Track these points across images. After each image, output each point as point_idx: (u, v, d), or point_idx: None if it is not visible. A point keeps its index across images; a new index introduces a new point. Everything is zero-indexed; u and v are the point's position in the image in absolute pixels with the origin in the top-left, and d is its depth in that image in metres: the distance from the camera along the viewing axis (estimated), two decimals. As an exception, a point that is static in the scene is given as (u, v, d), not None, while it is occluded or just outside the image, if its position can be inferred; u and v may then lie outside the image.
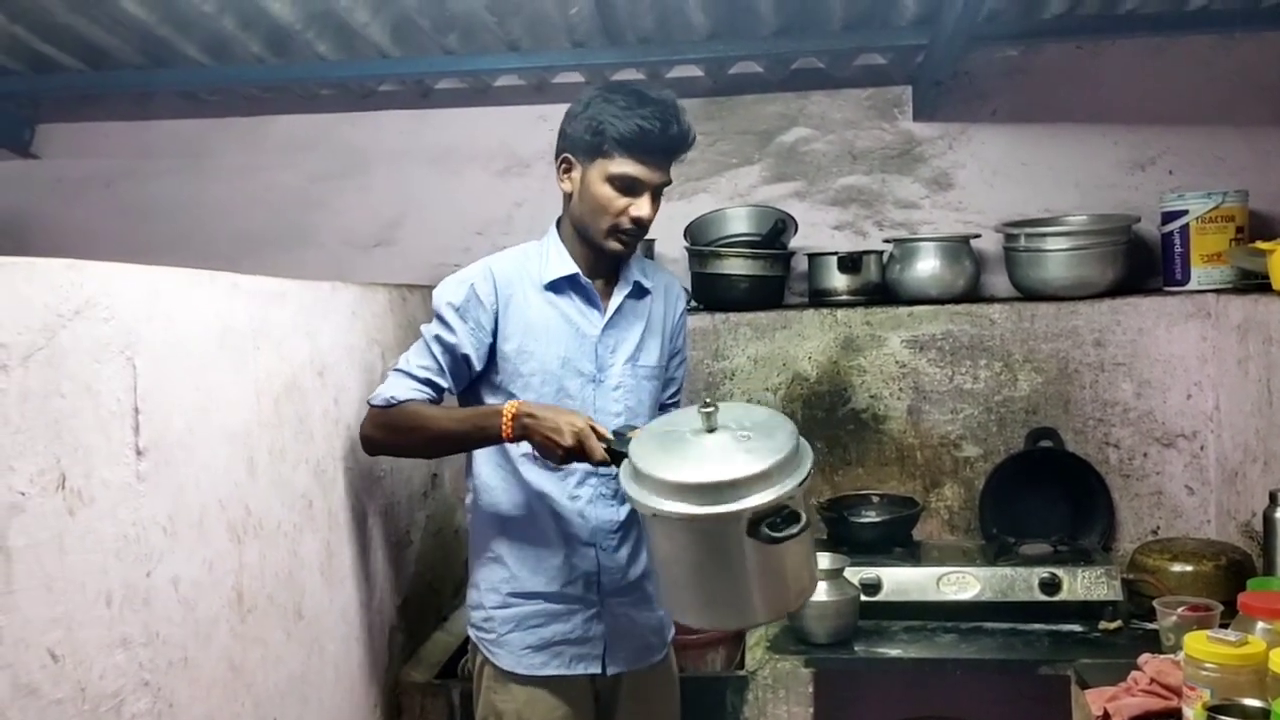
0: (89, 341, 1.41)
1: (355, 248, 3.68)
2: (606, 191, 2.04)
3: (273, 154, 3.70)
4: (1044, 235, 3.13)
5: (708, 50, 3.26)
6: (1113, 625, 2.56)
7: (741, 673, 2.52)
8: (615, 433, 1.95)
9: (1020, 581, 2.61)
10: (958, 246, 3.23)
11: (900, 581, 2.66)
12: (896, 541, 2.89)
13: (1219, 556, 2.64)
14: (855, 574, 2.60)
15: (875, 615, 2.61)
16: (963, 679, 2.41)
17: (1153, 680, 2.06)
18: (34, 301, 1.32)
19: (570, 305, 2.14)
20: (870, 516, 2.99)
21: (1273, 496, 2.48)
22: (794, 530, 1.69)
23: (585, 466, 2.08)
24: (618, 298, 2.17)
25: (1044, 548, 2.75)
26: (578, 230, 2.12)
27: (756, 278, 3.24)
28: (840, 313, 3.22)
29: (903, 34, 3.13)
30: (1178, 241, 3.12)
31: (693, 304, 3.34)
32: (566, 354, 2.11)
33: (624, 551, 2.18)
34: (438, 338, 2.09)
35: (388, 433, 2.10)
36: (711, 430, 1.81)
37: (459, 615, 2.98)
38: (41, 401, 1.31)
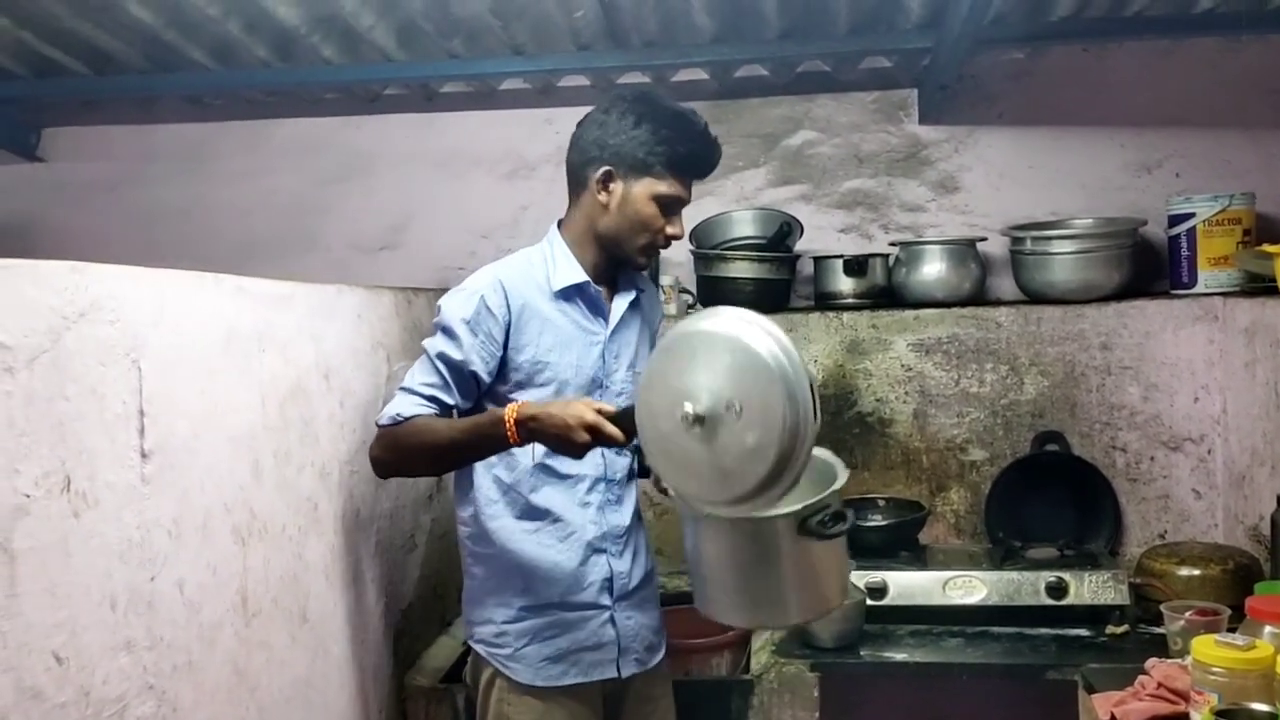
0: (94, 344, 1.41)
1: (360, 251, 3.68)
2: (651, 210, 2.06)
3: (277, 158, 3.70)
4: (1050, 238, 3.13)
5: (713, 53, 3.25)
6: (1120, 630, 2.55)
7: (747, 677, 2.51)
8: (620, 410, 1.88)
9: (1027, 586, 2.60)
10: (964, 250, 3.22)
11: (906, 586, 2.65)
12: (902, 545, 2.89)
13: (1226, 560, 2.63)
14: (861, 578, 2.59)
15: (881, 619, 2.60)
16: (969, 684, 2.39)
17: (1160, 685, 2.05)
18: (39, 304, 1.32)
19: (577, 312, 2.13)
20: (876, 520, 2.98)
21: (1281, 500, 2.47)
22: (843, 527, 1.75)
23: (595, 472, 2.10)
24: (621, 305, 2.17)
25: (1050, 552, 2.74)
26: (604, 241, 2.11)
27: (762, 281, 3.23)
28: (846, 316, 3.22)
29: (908, 37, 3.12)
30: (1184, 244, 3.12)
31: (698, 307, 3.34)
32: (579, 362, 2.11)
33: (629, 554, 2.20)
34: (441, 354, 2.04)
35: (395, 452, 2.04)
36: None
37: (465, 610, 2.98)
38: (46, 404, 1.31)
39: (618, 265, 2.15)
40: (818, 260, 3.32)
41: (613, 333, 2.16)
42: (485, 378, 2.06)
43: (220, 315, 1.78)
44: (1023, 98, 3.40)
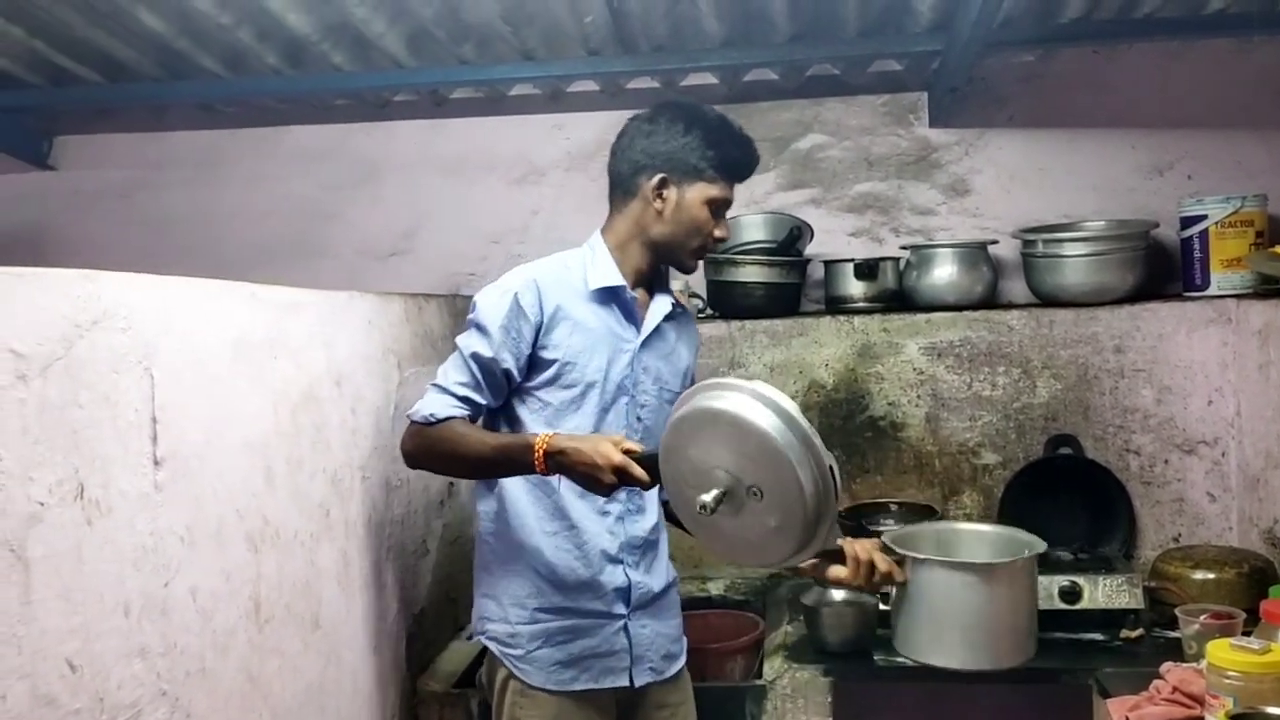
0: (106, 352, 1.41)
1: (371, 257, 3.68)
2: (705, 214, 2.10)
3: (288, 164, 3.72)
4: (1062, 241, 3.12)
5: (722, 58, 3.25)
6: (1134, 633, 2.54)
7: (760, 682, 2.51)
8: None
9: (1041, 590, 2.57)
10: (975, 253, 3.21)
11: (919, 590, 2.64)
12: (915, 550, 2.87)
13: (1241, 564, 2.62)
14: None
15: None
16: (982, 688, 2.38)
17: (1175, 689, 2.04)
18: (51, 312, 1.32)
19: (612, 318, 2.14)
20: (888, 525, 2.96)
21: (1296, 503, 2.46)
22: None
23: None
24: (656, 317, 2.18)
25: (1064, 556, 2.73)
26: (656, 246, 2.14)
27: (772, 285, 3.23)
28: (857, 320, 3.21)
29: (918, 40, 3.12)
30: (1197, 246, 3.11)
31: (708, 312, 3.34)
32: (608, 367, 2.11)
33: (648, 564, 2.19)
34: (474, 353, 2.05)
35: (426, 452, 2.07)
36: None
37: (479, 605, 2.98)
38: (59, 412, 1.31)
39: (657, 268, 2.19)
40: (828, 264, 3.32)
41: (644, 343, 2.16)
42: (516, 376, 2.08)
43: (232, 322, 1.79)
44: (1033, 100, 3.39)
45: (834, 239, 3.46)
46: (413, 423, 2.08)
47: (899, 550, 2.33)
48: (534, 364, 2.09)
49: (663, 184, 2.10)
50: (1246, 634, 1.99)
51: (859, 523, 2.94)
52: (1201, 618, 2.26)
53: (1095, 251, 3.08)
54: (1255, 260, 2.98)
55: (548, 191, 3.57)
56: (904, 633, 2.34)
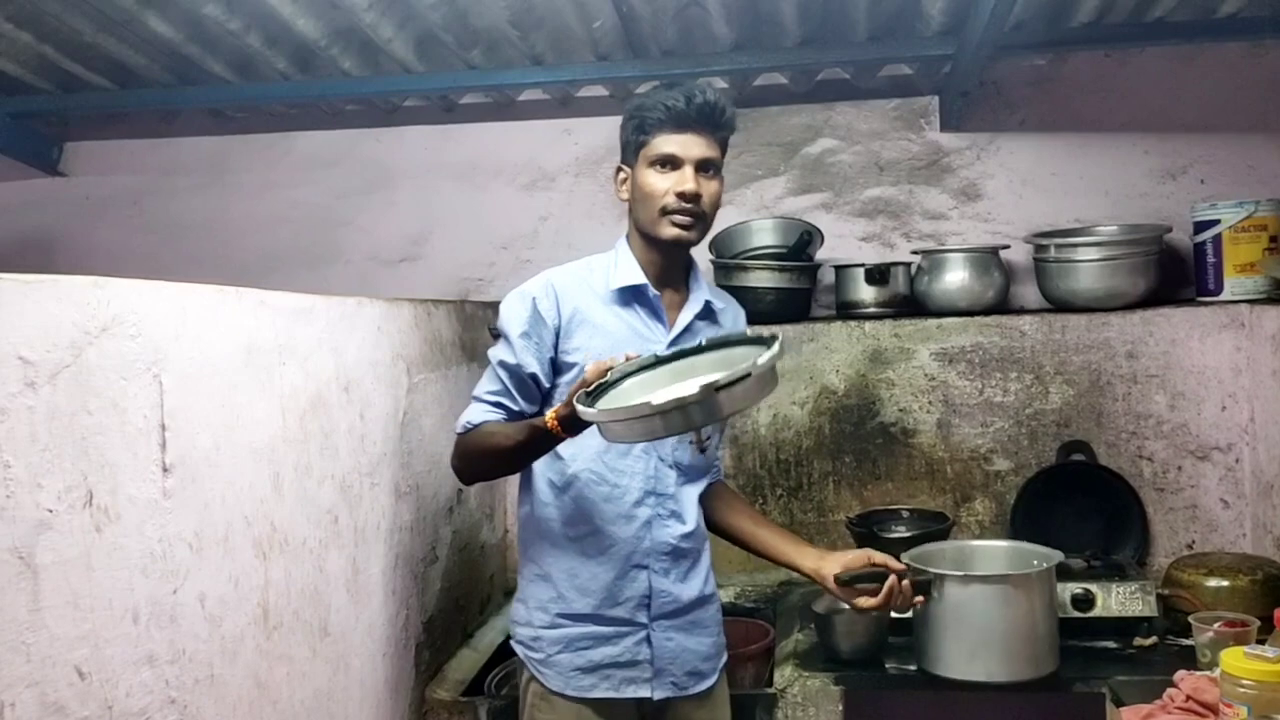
0: (116, 359, 1.41)
1: (381, 263, 3.68)
2: (650, 176, 2.06)
3: (298, 170, 3.72)
4: (1074, 246, 3.10)
5: (732, 62, 3.25)
6: (1148, 641, 2.52)
7: (771, 690, 2.49)
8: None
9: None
10: (987, 258, 3.20)
11: (931, 597, 2.63)
12: (926, 557, 2.86)
13: (1255, 571, 2.60)
14: (885, 590, 2.57)
15: (905, 632, 2.57)
16: (994, 696, 2.37)
17: (1189, 697, 2.03)
18: (61, 319, 1.32)
19: (636, 318, 2.12)
20: (900, 531, 2.95)
21: (1311, 510, 2.44)
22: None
23: (643, 484, 2.10)
24: (687, 315, 2.15)
25: (1077, 563, 2.70)
26: (641, 235, 2.12)
27: (783, 290, 3.22)
28: (868, 325, 3.20)
29: (929, 44, 3.11)
30: (1210, 251, 3.09)
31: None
32: None
33: (675, 574, 2.15)
34: (501, 362, 2.09)
35: (469, 458, 2.12)
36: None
37: (485, 632, 2.98)
38: (69, 419, 1.31)
39: (665, 251, 2.12)
40: (839, 269, 3.31)
41: (674, 341, 2.11)
42: (544, 380, 2.09)
43: (241, 329, 1.78)
44: (1045, 104, 3.38)
45: (845, 244, 3.45)
46: (457, 436, 2.13)
47: (919, 567, 2.36)
48: (558, 368, 2.10)
49: (622, 175, 2.13)
50: (1261, 642, 1.98)
51: (870, 529, 2.92)
52: (1215, 625, 2.25)
53: (1108, 256, 3.06)
54: (1269, 265, 2.97)
55: (557, 197, 3.57)
56: (927, 648, 2.38)
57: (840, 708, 2.44)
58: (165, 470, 1.51)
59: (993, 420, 3.15)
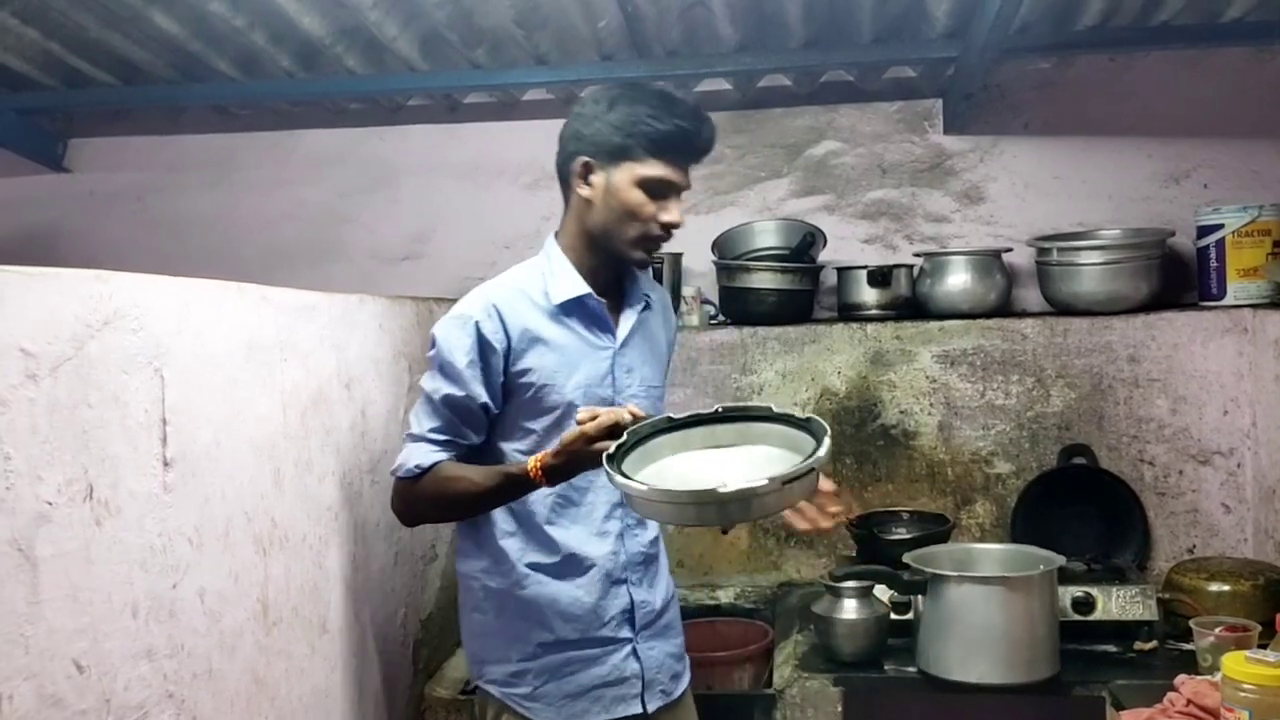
0: (117, 352, 1.41)
1: (383, 261, 3.69)
2: (638, 196, 1.92)
3: (302, 168, 3.72)
4: (1077, 249, 3.10)
5: (736, 63, 3.24)
6: (1148, 645, 2.51)
7: (769, 691, 2.49)
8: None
9: (1053, 600, 2.57)
10: (989, 260, 3.20)
11: (930, 599, 2.63)
12: (927, 559, 2.86)
13: (1257, 576, 2.59)
14: (885, 592, 2.57)
15: (905, 634, 2.57)
16: (994, 699, 2.37)
17: (1190, 701, 2.03)
18: (63, 312, 1.32)
19: (582, 328, 2.02)
20: (900, 533, 2.95)
21: (1313, 515, 2.43)
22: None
23: (611, 497, 2.01)
24: (631, 316, 2.07)
25: (1078, 566, 2.70)
26: (595, 240, 1.99)
27: (785, 292, 3.22)
28: (870, 327, 3.20)
29: (933, 46, 3.10)
30: (1213, 255, 3.09)
31: (720, 318, 3.33)
32: (587, 381, 1.99)
33: (650, 580, 2.11)
34: (445, 397, 1.94)
35: (419, 504, 1.97)
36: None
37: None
38: (69, 412, 1.31)
39: (618, 267, 2.03)
40: (841, 271, 3.30)
41: (622, 345, 2.05)
42: (494, 407, 1.97)
43: (243, 324, 1.79)
44: (1048, 108, 3.38)
45: (847, 246, 3.45)
46: (398, 480, 1.97)
47: (918, 567, 2.37)
48: (509, 391, 1.97)
49: (587, 168, 1.95)
50: (1262, 647, 1.97)
51: (871, 530, 2.92)
52: (1216, 630, 2.25)
53: (1110, 260, 3.06)
54: (1272, 270, 2.96)
55: (560, 197, 3.55)
56: (927, 650, 2.38)
57: (839, 709, 2.44)
58: (166, 464, 1.51)
59: (994, 423, 3.14)
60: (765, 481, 1.55)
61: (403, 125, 3.69)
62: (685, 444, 1.79)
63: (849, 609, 2.51)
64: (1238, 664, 1.82)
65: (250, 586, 1.75)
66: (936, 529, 2.91)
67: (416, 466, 1.93)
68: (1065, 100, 3.37)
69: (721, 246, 3.33)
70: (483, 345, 1.93)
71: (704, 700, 2.31)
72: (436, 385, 1.95)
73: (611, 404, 1.98)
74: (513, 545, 2.02)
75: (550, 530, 2.01)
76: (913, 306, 3.25)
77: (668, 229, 1.96)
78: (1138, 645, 2.52)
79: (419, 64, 3.25)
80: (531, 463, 1.85)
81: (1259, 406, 2.94)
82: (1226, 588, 2.57)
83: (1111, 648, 2.53)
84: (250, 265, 3.52)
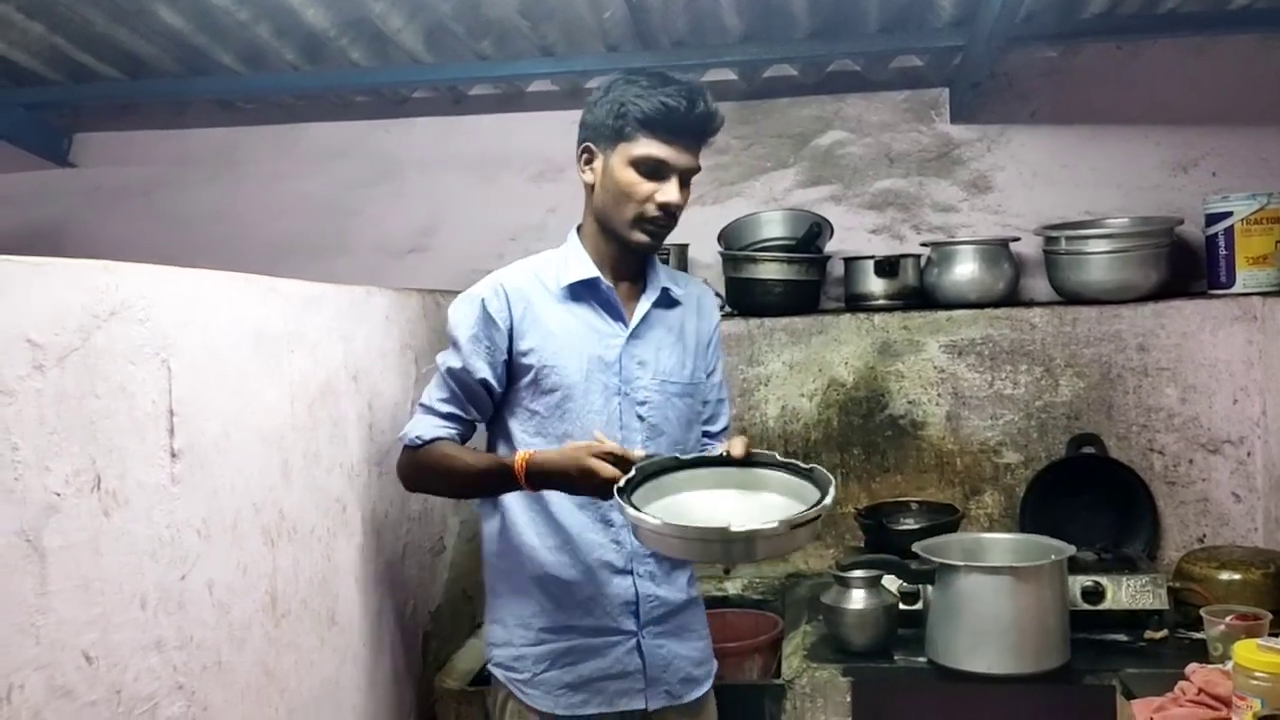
0: (124, 343, 1.41)
1: (389, 254, 3.68)
2: (630, 176, 1.92)
3: (307, 161, 3.72)
4: (1085, 238, 3.09)
5: (741, 53, 3.24)
6: (1159, 634, 2.51)
7: (778, 681, 2.49)
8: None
9: (1063, 590, 2.57)
10: (997, 250, 3.19)
11: (940, 589, 2.62)
12: (935, 549, 2.85)
13: (1267, 564, 2.59)
14: (893, 582, 2.56)
15: (914, 624, 2.57)
16: (1004, 688, 2.36)
17: (1201, 690, 2.02)
18: (70, 303, 1.31)
19: (591, 314, 2.01)
20: (909, 524, 2.95)
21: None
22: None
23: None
24: (644, 305, 2.04)
25: (1087, 556, 2.70)
26: (601, 225, 2.00)
27: (792, 282, 3.21)
28: (877, 317, 3.19)
29: (939, 35, 3.10)
30: (1222, 244, 3.07)
31: (727, 309, 3.32)
32: (590, 366, 1.98)
33: (660, 576, 2.06)
34: (449, 369, 1.98)
35: (420, 473, 2.03)
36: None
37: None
38: (77, 402, 1.31)
39: (634, 255, 2.02)
40: (848, 261, 3.30)
41: (632, 335, 2.02)
42: (497, 386, 1.99)
43: (250, 316, 1.78)
44: (1056, 96, 3.36)
45: (854, 236, 3.44)
46: (404, 447, 2.02)
47: (927, 557, 2.37)
48: (513, 372, 1.99)
49: (588, 154, 1.98)
50: (1274, 635, 1.97)
51: (879, 521, 2.92)
52: (1227, 619, 2.24)
53: (1119, 249, 3.05)
54: (1282, 257, 2.95)
55: (566, 189, 3.54)
56: (936, 640, 2.38)
57: (848, 699, 2.44)
58: (173, 456, 1.51)
59: (1002, 413, 3.13)
60: (775, 524, 1.63)
61: (408, 118, 3.69)
62: (692, 483, 1.85)
63: (857, 599, 2.50)
64: (1249, 652, 1.81)
65: (259, 578, 1.75)
66: (945, 519, 2.91)
67: (418, 438, 1.99)
68: (1073, 89, 3.35)
69: (728, 237, 3.33)
70: (486, 321, 1.97)
71: (714, 690, 2.30)
72: (445, 358, 2.01)
73: (618, 392, 2.00)
74: (520, 526, 2.03)
75: (555, 512, 2.01)
76: (920, 296, 3.25)
77: (664, 209, 1.94)
78: (1148, 634, 2.51)
79: (424, 56, 3.24)
80: (520, 456, 1.89)
81: (1269, 395, 2.93)
82: (1237, 576, 2.57)
83: (1122, 637, 2.53)
84: (256, 259, 3.48)
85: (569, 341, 1.99)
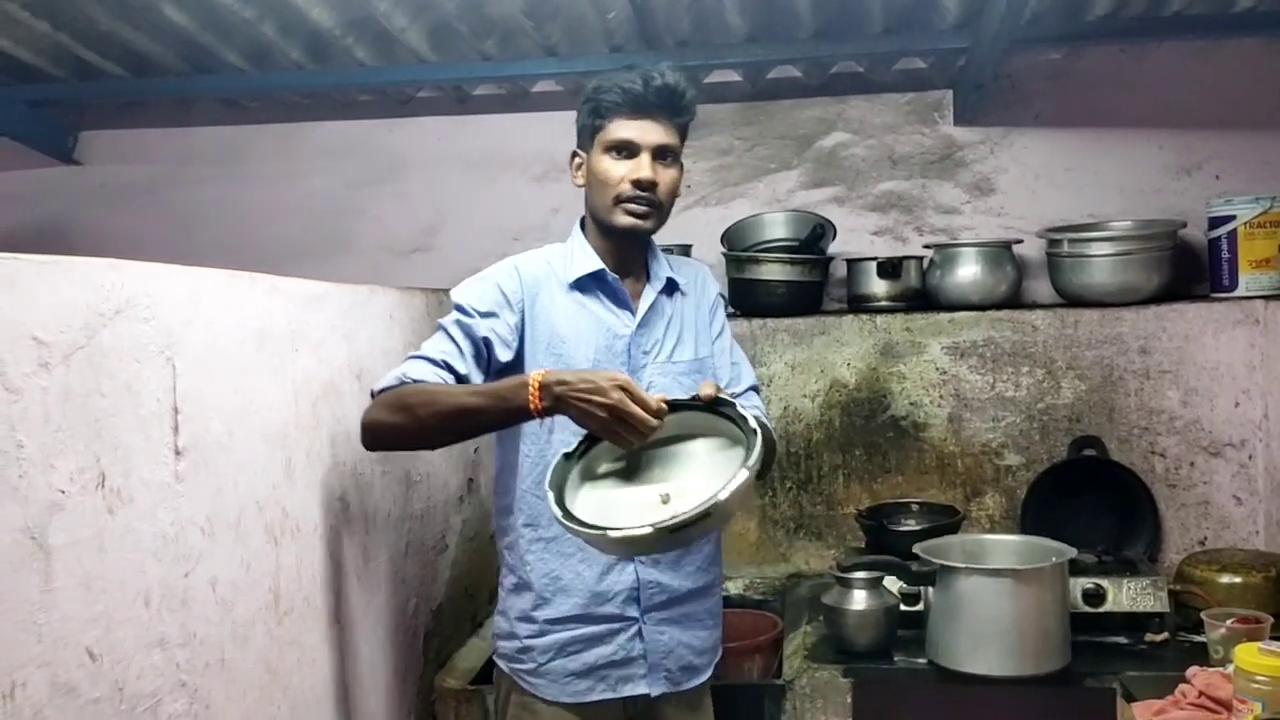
0: (129, 341, 1.41)
1: (393, 253, 3.69)
2: (605, 162, 1.97)
3: (311, 160, 3.73)
4: (1088, 241, 3.09)
5: (745, 54, 3.24)
6: (1159, 637, 2.51)
7: (779, 681, 2.50)
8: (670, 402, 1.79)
9: (1064, 592, 2.57)
10: (999, 252, 3.19)
11: (941, 591, 2.63)
12: (936, 551, 2.86)
13: (1269, 568, 2.59)
14: (894, 583, 2.57)
15: (915, 625, 2.57)
16: (1004, 690, 2.36)
17: (1201, 693, 2.03)
18: (75, 301, 1.32)
19: (599, 305, 2.03)
20: (910, 525, 2.95)
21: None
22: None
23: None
24: (650, 295, 2.07)
25: (1088, 558, 2.70)
26: (595, 221, 2.04)
27: (794, 283, 3.21)
28: (880, 319, 3.19)
29: (943, 37, 3.10)
30: (1225, 247, 3.07)
31: (730, 310, 3.31)
32: (597, 356, 1.99)
33: (665, 563, 2.05)
34: (458, 322, 1.94)
35: (395, 413, 1.84)
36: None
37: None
38: (82, 400, 1.31)
39: (620, 238, 2.03)
40: (851, 263, 3.30)
41: (640, 324, 2.04)
42: (499, 352, 1.95)
43: (254, 314, 1.79)
44: (1059, 98, 3.36)
45: (857, 237, 3.44)
46: (380, 391, 1.88)
47: (928, 558, 2.37)
48: (519, 358, 1.98)
49: (578, 160, 2.05)
50: (1274, 638, 1.97)
51: (880, 522, 2.92)
52: (1228, 622, 2.24)
53: (1121, 251, 3.05)
54: (1284, 261, 2.95)
55: (569, 189, 3.47)
56: (937, 641, 2.39)
57: (849, 700, 2.44)
58: (178, 454, 1.51)
59: (1004, 415, 3.14)
60: (649, 530, 1.61)
61: (412, 117, 3.69)
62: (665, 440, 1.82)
63: (858, 600, 2.51)
64: (1250, 656, 1.82)
65: (262, 576, 1.76)
66: (946, 521, 2.92)
67: (405, 375, 1.88)
68: (1076, 91, 3.36)
69: (731, 238, 3.33)
70: (500, 297, 1.97)
71: (714, 690, 2.30)
72: (450, 319, 1.97)
73: None
74: (523, 517, 2.02)
75: (543, 508, 1.95)
76: (923, 298, 3.25)
77: (638, 185, 1.96)
78: (1149, 637, 2.52)
79: (428, 55, 3.25)
80: (536, 375, 1.78)
81: (1270, 398, 2.93)
82: (1238, 580, 2.56)
83: (1122, 639, 2.53)
84: (260, 257, 3.49)
85: (576, 329, 2.01)
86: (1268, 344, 2.94)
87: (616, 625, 2.03)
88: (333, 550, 2.04)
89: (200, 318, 1.60)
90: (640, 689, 2.04)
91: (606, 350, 2.02)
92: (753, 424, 1.74)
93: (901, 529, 2.90)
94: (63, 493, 1.27)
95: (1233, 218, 3.06)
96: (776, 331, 3.23)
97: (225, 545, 1.64)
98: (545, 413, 1.78)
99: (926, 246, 3.32)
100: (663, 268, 2.12)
